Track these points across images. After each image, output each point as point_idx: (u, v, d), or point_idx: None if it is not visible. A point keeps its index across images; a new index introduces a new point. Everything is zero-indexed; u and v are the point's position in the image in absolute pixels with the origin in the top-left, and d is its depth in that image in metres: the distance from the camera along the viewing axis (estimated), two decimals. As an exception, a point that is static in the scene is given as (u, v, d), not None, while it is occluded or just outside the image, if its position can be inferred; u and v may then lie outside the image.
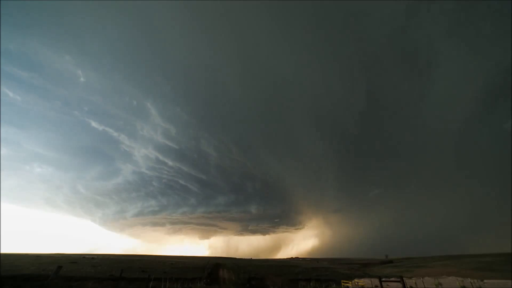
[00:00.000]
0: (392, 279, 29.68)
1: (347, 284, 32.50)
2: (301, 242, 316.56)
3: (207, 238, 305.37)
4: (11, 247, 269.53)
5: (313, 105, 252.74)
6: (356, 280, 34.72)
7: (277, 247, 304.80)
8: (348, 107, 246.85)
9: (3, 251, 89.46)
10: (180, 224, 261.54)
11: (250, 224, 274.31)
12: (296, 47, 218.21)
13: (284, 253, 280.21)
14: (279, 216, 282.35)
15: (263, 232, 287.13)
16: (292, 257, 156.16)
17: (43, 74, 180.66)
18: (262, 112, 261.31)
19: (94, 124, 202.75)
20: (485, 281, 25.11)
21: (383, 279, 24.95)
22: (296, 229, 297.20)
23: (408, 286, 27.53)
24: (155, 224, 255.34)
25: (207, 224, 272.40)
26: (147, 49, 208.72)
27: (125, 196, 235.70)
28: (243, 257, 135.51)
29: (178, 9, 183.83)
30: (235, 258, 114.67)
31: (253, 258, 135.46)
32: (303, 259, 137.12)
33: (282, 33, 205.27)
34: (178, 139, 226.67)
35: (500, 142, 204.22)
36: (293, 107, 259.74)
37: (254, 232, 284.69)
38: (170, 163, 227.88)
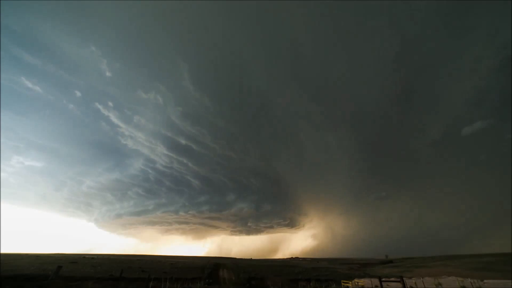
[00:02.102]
0: (392, 279, 29.67)
1: (347, 284, 32.51)
2: (301, 242, 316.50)
3: (207, 238, 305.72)
4: (11, 247, 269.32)
5: (336, 105, 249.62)
6: (356, 280, 34.73)
7: (276, 247, 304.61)
8: (374, 106, 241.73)
9: (3, 251, 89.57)
10: (181, 224, 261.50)
11: (251, 223, 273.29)
12: (328, 41, 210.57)
13: (284, 253, 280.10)
14: (280, 215, 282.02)
15: (263, 231, 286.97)
16: (292, 257, 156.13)
17: (65, 64, 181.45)
18: (283, 109, 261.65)
19: (113, 118, 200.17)
20: (485, 281, 25.13)
21: (383, 279, 24.94)
22: (296, 229, 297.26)
23: (408, 286, 27.52)
24: (155, 223, 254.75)
25: (208, 225, 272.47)
26: (175, 45, 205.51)
27: (128, 193, 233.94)
28: (243, 257, 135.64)
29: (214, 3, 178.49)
30: (235, 258, 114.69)
31: (253, 258, 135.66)
32: (303, 259, 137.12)
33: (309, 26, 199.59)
34: (196, 138, 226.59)
35: (500, 143, 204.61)
36: (315, 106, 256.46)
37: (254, 232, 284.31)
38: (187, 162, 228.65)
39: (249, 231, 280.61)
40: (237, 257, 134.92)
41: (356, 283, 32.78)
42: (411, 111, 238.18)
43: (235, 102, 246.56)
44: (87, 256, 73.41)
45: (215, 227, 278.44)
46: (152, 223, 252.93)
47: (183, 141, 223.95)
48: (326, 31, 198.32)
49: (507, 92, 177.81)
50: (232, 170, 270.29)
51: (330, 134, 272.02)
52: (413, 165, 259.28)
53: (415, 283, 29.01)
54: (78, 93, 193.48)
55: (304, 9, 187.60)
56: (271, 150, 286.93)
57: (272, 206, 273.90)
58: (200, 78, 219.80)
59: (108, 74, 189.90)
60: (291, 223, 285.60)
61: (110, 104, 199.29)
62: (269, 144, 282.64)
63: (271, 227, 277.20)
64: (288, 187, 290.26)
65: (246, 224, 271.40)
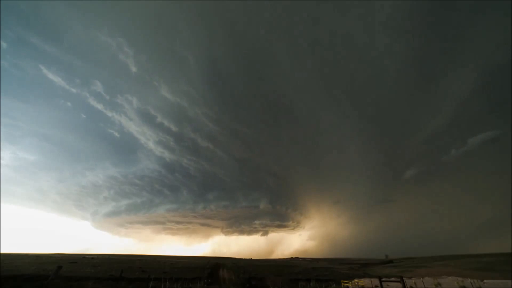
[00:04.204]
0: (392, 279, 29.67)
1: (347, 284, 32.48)
2: (301, 242, 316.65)
3: (208, 238, 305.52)
4: (10, 247, 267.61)
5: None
6: (356, 280, 34.67)
7: (277, 247, 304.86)
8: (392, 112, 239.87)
9: (3, 251, 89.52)
10: (183, 224, 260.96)
11: (251, 223, 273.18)
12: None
13: (284, 253, 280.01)
14: (282, 216, 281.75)
15: (264, 231, 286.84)
16: (292, 257, 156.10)
17: (86, 53, 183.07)
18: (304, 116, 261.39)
19: (133, 114, 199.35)
20: (485, 281, 25.08)
21: (383, 279, 24.93)
22: (297, 229, 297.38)
23: (408, 286, 27.52)
24: (156, 222, 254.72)
25: (209, 225, 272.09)
26: (202, 46, 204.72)
27: (133, 191, 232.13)
28: (243, 257, 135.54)
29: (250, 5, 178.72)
30: (235, 258, 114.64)
31: (253, 258, 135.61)
32: (303, 259, 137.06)
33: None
34: (215, 139, 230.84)
35: (500, 143, 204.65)
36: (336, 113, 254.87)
37: (254, 231, 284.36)
38: (203, 163, 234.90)
39: (249, 231, 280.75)
40: (237, 257, 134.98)
41: (356, 283, 32.73)
42: (423, 117, 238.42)
43: (257, 107, 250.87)
44: (87, 256, 73.46)
45: (217, 227, 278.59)
46: (153, 223, 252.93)
47: (202, 143, 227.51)
48: (349, 34, 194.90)
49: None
50: (246, 171, 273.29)
51: (348, 142, 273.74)
52: (415, 168, 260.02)
53: (415, 283, 28.97)
54: (100, 85, 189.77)
55: (330, 8, 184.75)
56: (286, 153, 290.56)
57: (276, 206, 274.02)
58: (224, 82, 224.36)
59: (133, 69, 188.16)
60: (293, 223, 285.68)
61: (133, 99, 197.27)
62: (286, 148, 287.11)
63: (272, 227, 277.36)
64: (293, 188, 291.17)
65: (247, 224, 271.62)
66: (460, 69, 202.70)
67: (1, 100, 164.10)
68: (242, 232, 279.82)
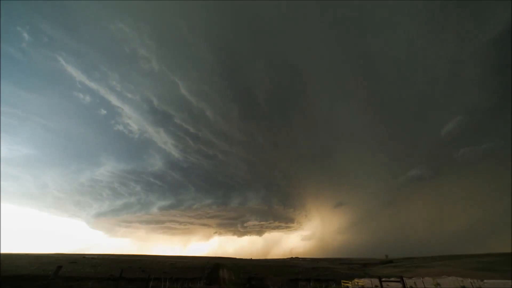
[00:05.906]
0: (392, 279, 29.64)
1: (347, 284, 32.49)
2: (301, 242, 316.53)
3: (207, 238, 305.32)
4: (10, 247, 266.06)
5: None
6: (356, 280, 34.67)
7: (277, 247, 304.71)
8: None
9: (3, 251, 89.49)
10: (185, 224, 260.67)
11: (251, 223, 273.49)
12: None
13: (284, 253, 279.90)
14: (286, 215, 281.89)
15: (264, 231, 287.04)
16: (292, 257, 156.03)
17: (107, 45, 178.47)
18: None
19: (148, 111, 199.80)
20: (485, 281, 25.09)
21: (383, 279, 24.91)
22: (297, 229, 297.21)
23: (408, 286, 27.52)
24: (157, 222, 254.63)
25: (208, 225, 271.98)
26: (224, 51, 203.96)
27: (134, 189, 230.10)
28: (243, 257, 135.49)
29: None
30: (235, 258, 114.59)
31: (253, 258, 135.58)
32: (303, 259, 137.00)
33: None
34: (231, 142, 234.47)
35: (499, 143, 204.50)
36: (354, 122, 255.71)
37: (254, 232, 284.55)
38: (214, 164, 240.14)
39: (250, 231, 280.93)
40: (237, 257, 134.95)
41: (356, 283, 32.73)
42: (430, 121, 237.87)
43: (275, 109, 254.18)
44: (87, 256, 73.40)
45: (217, 227, 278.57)
46: (154, 222, 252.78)
47: (217, 143, 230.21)
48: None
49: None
50: (257, 171, 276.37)
51: (354, 146, 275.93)
52: (417, 170, 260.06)
53: (415, 283, 28.97)
54: (118, 79, 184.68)
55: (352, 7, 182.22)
56: (297, 156, 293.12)
57: (284, 207, 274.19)
58: (243, 85, 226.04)
59: (155, 66, 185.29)
60: (297, 224, 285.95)
61: (154, 99, 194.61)
62: (298, 150, 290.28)
63: (275, 227, 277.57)
64: (301, 190, 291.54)
65: (249, 224, 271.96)
66: (469, 74, 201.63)
67: (6, 90, 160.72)
68: (243, 232, 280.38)
